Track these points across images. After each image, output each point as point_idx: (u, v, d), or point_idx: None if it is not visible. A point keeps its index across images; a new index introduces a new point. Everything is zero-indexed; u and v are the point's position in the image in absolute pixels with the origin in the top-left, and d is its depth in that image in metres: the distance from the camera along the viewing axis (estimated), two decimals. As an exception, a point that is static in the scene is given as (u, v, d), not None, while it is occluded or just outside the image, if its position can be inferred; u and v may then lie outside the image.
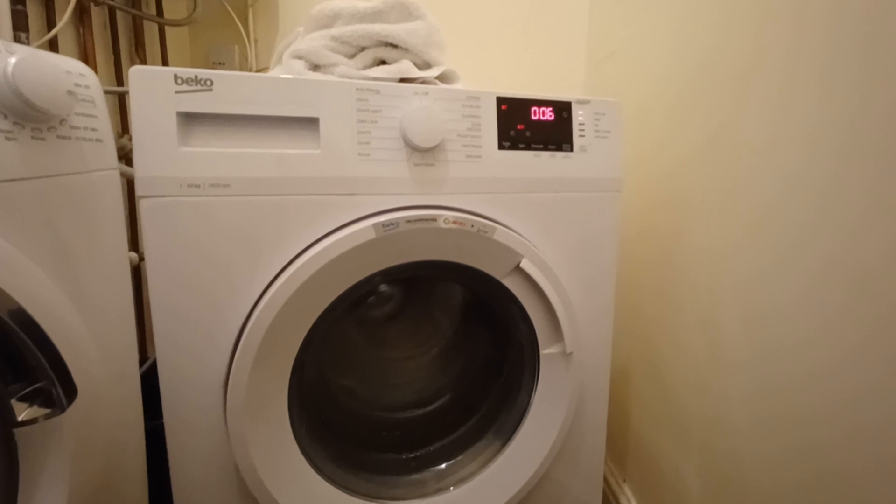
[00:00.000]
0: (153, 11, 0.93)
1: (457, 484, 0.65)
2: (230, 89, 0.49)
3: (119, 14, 0.88)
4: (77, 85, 0.44)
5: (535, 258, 0.59)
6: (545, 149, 0.61)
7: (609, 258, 0.67)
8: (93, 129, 0.46)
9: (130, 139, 0.69)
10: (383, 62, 0.66)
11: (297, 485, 0.55)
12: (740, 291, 0.63)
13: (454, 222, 0.55)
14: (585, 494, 0.75)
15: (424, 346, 0.81)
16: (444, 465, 0.69)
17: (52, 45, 0.73)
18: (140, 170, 0.48)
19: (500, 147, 0.59)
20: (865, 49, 0.46)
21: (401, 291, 0.79)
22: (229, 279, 0.51)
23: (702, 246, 0.70)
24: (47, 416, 0.40)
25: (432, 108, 0.55)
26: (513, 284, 0.60)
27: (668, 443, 0.78)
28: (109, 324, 0.48)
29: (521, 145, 0.60)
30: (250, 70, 1.05)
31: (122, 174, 0.58)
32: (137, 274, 0.86)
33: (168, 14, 0.96)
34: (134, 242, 0.89)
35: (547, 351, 0.63)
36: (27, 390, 0.40)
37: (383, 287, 0.77)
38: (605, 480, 0.95)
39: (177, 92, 0.48)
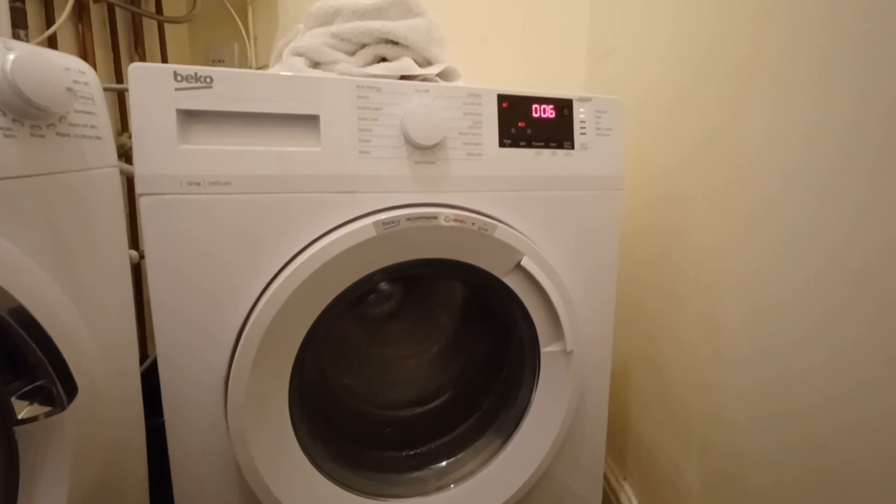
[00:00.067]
0: (152, 9, 0.93)
1: (457, 482, 0.65)
2: (230, 86, 0.49)
3: (118, 11, 0.88)
4: (76, 82, 0.44)
5: (536, 256, 0.59)
6: (546, 146, 0.61)
7: (610, 256, 0.67)
8: (92, 127, 0.46)
9: (130, 137, 0.69)
10: (384, 59, 0.66)
11: (298, 482, 0.55)
12: (740, 288, 0.63)
13: (455, 220, 0.55)
14: (586, 492, 0.75)
15: (425, 343, 0.81)
16: (444, 463, 0.69)
17: (52, 43, 0.73)
18: (140, 167, 0.48)
19: (501, 145, 0.59)
20: (863, 46, 0.46)
21: (401, 289, 0.79)
22: (230, 277, 0.51)
23: (702, 243, 0.70)
24: (48, 415, 0.40)
25: (433, 106, 0.55)
26: (513, 282, 0.60)
27: (669, 440, 0.78)
28: (109, 322, 0.48)
29: (522, 143, 0.60)
30: (250, 67, 1.05)
31: (122, 172, 0.57)
32: (138, 272, 0.86)
33: (167, 11, 0.96)
34: (134, 240, 0.89)
35: (547, 349, 0.63)
36: (27, 388, 0.40)
37: (384, 285, 0.77)
38: (605, 478, 0.95)
39: (176, 89, 0.48)
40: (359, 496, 0.60)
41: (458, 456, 0.69)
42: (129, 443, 0.51)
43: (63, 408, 0.41)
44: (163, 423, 0.52)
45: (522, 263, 0.58)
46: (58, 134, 0.42)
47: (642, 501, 0.86)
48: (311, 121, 0.52)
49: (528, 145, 0.60)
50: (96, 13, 0.84)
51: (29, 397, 0.40)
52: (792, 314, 0.55)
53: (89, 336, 0.45)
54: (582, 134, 0.63)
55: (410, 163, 0.55)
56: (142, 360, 0.74)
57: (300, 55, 0.65)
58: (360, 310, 0.77)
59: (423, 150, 0.55)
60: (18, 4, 0.67)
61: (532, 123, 0.60)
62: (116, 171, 0.49)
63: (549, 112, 0.61)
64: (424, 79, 0.65)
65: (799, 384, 0.54)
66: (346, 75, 0.61)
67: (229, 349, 0.52)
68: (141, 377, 0.53)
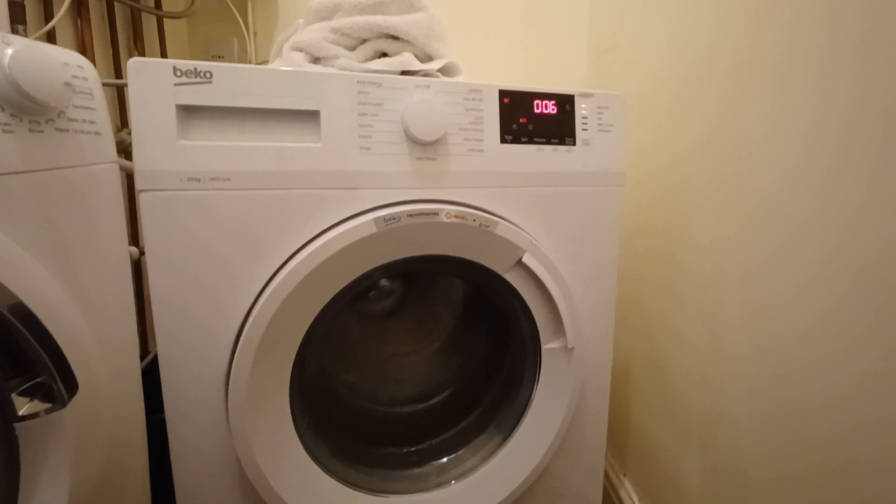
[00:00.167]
0: (151, 4, 0.93)
1: (458, 478, 0.65)
2: (230, 82, 0.49)
3: (117, 6, 0.87)
4: (75, 77, 0.43)
5: (538, 253, 0.59)
6: (548, 143, 0.61)
7: (611, 253, 0.67)
8: (91, 122, 0.45)
9: (130, 133, 0.69)
10: (384, 54, 0.66)
11: (299, 479, 0.55)
12: (741, 285, 0.62)
13: (456, 216, 0.55)
14: (586, 489, 0.75)
15: (425, 340, 0.81)
16: (445, 460, 0.69)
17: (50, 38, 0.72)
18: (139, 163, 0.47)
19: (503, 141, 0.59)
20: (863, 44, 0.46)
21: (402, 286, 0.78)
22: (230, 274, 0.51)
23: (702, 240, 0.70)
24: (48, 411, 0.40)
25: (434, 102, 0.54)
26: (514, 279, 0.59)
27: (669, 437, 0.78)
28: (110, 319, 0.48)
29: (524, 139, 0.59)
30: (249, 63, 1.04)
31: (122, 168, 0.57)
32: (138, 268, 0.86)
33: (167, 6, 0.95)
34: (135, 237, 0.89)
35: (548, 346, 0.63)
36: (28, 385, 0.40)
37: (384, 281, 0.77)
38: (606, 474, 0.95)
39: (176, 84, 0.47)
40: (360, 492, 0.60)
41: (459, 452, 0.69)
42: (130, 441, 0.51)
43: (64, 404, 0.41)
44: (163, 418, 0.52)
45: (524, 260, 0.58)
46: (57, 129, 0.42)
47: (642, 498, 0.87)
48: (311, 116, 0.52)
49: (530, 141, 0.60)
50: (95, 8, 0.83)
51: (29, 394, 0.40)
52: (792, 312, 0.55)
53: (89, 333, 0.45)
54: (584, 130, 0.62)
55: (411, 159, 0.55)
56: (142, 357, 0.74)
57: (300, 50, 0.64)
58: (361, 306, 0.77)
59: (424, 146, 0.55)
60: (17, -1, 0.66)
61: (533, 119, 0.60)
62: (116, 167, 0.49)
63: (550, 108, 0.61)
64: (425, 74, 0.64)
65: (799, 381, 0.54)
66: (346, 70, 0.60)
67: (230, 346, 0.52)
68: (141, 373, 0.53)
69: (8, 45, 0.37)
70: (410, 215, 0.53)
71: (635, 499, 0.88)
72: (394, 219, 0.52)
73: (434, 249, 0.56)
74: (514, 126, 0.59)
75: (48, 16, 0.73)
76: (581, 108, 0.62)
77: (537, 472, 0.66)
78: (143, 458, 0.53)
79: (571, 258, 0.64)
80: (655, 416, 0.82)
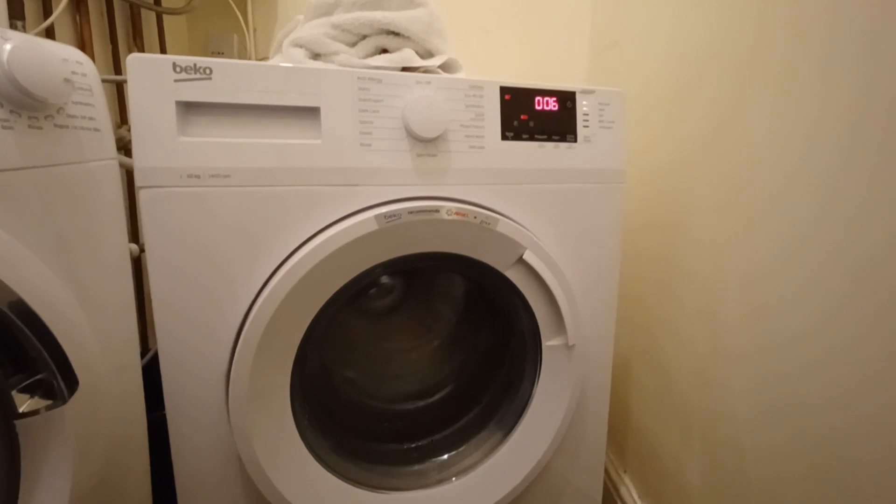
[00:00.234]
0: (151, 0, 0.92)
1: (459, 475, 0.65)
2: (230, 78, 0.49)
3: (116, 2, 0.87)
4: (74, 73, 0.43)
5: (538, 250, 0.59)
6: (549, 139, 0.60)
7: (612, 250, 0.67)
8: (90, 118, 0.45)
9: (129, 129, 0.69)
10: (385, 51, 0.65)
11: (300, 475, 0.56)
12: (741, 284, 0.62)
13: (457, 213, 0.54)
14: (586, 485, 0.75)
15: (426, 337, 0.81)
16: (445, 456, 0.69)
17: (49, 34, 0.72)
18: (139, 160, 0.47)
19: (504, 137, 0.58)
20: (864, 42, 0.46)
21: (402, 283, 0.78)
22: (230, 271, 0.51)
23: (703, 238, 0.70)
24: (49, 408, 0.40)
25: (435, 98, 0.54)
26: (515, 276, 0.59)
27: (669, 434, 0.78)
28: (110, 316, 0.48)
29: (525, 136, 0.59)
30: (249, 59, 1.04)
31: (122, 165, 0.57)
32: (138, 265, 0.86)
33: (166, 2, 0.95)
34: (135, 234, 0.89)
35: (549, 343, 0.63)
36: (28, 382, 0.40)
37: (385, 279, 0.77)
38: (606, 471, 0.95)
39: (175, 80, 0.47)
40: (360, 489, 0.60)
41: (460, 449, 0.69)
42: (131, 439, 0.51)
43: (64, 401, 0.41)
44: (164, 416, 0.52)
45: (525, 257, 0.58)
46: (56, 125, 0.42)
47: (642, 495, 0.87)
48: (311, 113, 0.51)
49: (531, 138, 0.60)
50: (94, 4, 0.83)
51: (30, 391, 0.40)
52: (793, 310, 0.55)
53: (90, 330, 0.45)
54: (585, 126, 0.62)
55: (412, 155, 0.55)
56: (142, 354, 0.74)
57: (300, 46, 0.64)
58: (362, 303, 0.77)
59: (425, 143, 0.55)
60: (15, -6, 0.66)
61: (535, 116, 0.60)
62: (115, 164, 0.49)
63: (551, 104, 0.60)
64: (426, 70, 0.64)
65: (799, 380, 0.54)
66: (346, 67, 0.60)
67: (230, 344, 0.52)
68: (142, 370, 0.53)
69: (7, 40, 0.37)
70: (411, 212, 0.53)
71: (635, 496, 0.88)
72: (395, 216, 0.52)
73: (435, 247, 0.56)
74: (516, 123, 0.59)
75: (47, 11, 0.72)
76: (582, 105, 0.62)
77: (538, 469, 0.66)
78: (144, 455, 0.53)
79: (572, 255, 0.64)
80: (656, 413, 0.82)
